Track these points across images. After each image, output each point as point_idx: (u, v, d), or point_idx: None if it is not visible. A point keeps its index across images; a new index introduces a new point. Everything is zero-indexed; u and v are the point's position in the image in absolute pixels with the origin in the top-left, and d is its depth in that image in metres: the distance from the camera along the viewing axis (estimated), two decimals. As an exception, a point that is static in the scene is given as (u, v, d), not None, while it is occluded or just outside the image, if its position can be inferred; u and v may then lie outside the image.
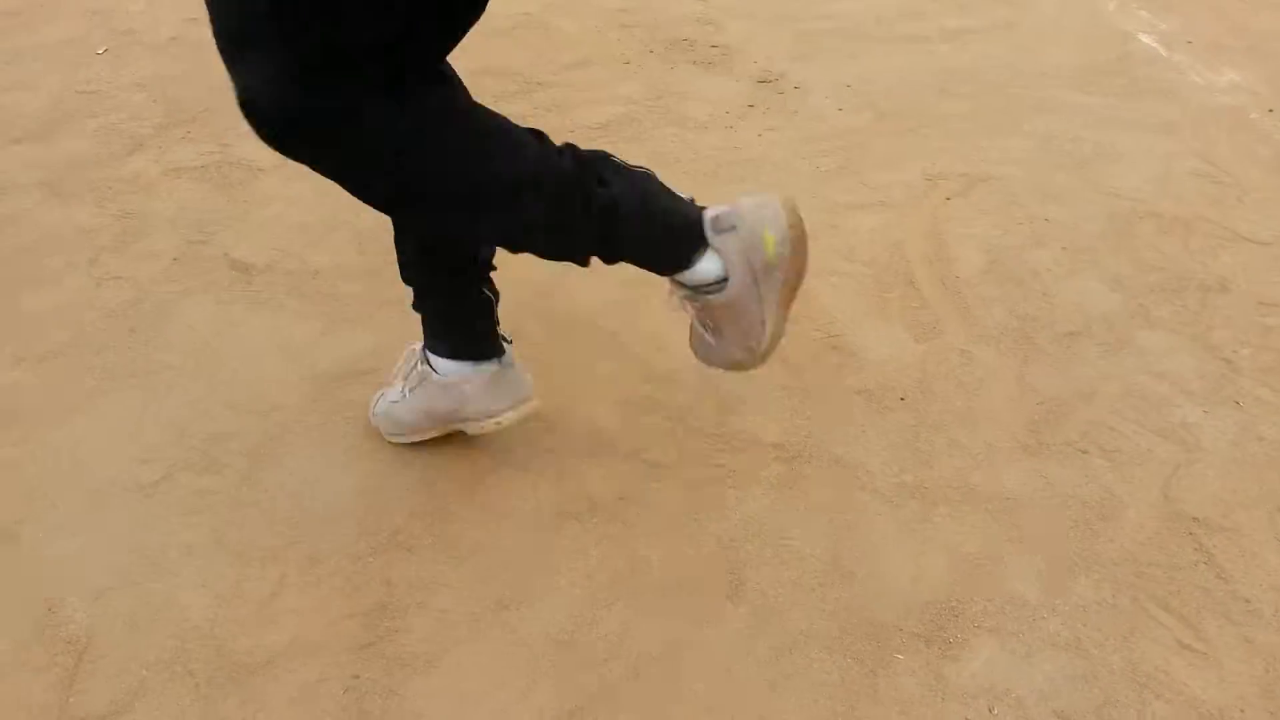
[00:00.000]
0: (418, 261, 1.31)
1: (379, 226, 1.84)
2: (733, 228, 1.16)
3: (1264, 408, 1.52)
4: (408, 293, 1.34)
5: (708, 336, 1.25)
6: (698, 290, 1.19)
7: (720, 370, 1.30)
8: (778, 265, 1.19)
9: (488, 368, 1.34)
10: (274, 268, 1.78)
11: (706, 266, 1.17)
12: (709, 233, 1.16)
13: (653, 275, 1.19)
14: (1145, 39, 2.62)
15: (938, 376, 1.57)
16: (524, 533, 1.33)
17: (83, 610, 1.23)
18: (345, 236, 1.86)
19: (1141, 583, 1.27)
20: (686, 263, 1.17)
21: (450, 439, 1.44)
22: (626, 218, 1.10)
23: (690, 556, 1.30)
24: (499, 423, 1.36)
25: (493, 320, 1.35)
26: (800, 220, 1.21)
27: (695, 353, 1.30)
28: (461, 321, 1.34)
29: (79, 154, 2.08)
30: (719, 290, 1.18)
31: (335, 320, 1.67)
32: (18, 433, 1.46)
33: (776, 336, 1.23)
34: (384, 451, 1.44)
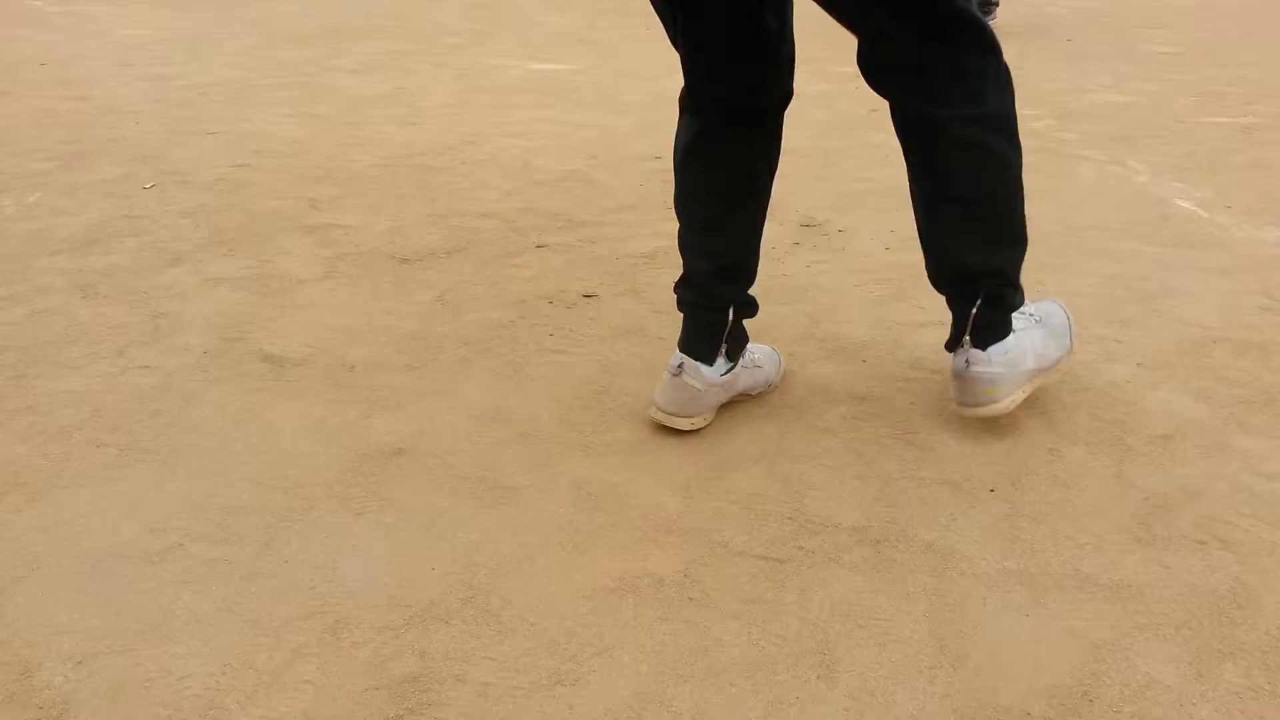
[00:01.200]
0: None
1: (421, 330, 1.78)
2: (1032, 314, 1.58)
3: (1394, 508, 1.37)
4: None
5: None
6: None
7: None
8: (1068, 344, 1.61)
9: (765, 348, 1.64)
10: (309, 362, 1.70)
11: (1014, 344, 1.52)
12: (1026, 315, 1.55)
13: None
14: (1183, 203, 2.64)
15: (1026, 471, 1.44)
16: (577, 607, 1.16)
17: (62, 675, 1.06)
18: (385, 338, 1.78)
19: (1300, 674, 1.09)
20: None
21: (490, 509, 1.30)
22: None
23: (772, 635, 1.12)
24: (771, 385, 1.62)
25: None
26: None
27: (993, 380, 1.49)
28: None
29: (117, 264, 2.05)
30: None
31: (372, 406, 1.56)
32: (20, 499, 1.33)
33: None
34: (419, 525, 1.29)
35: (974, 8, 1.35)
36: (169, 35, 4.83)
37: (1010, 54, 4.32)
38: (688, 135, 1.42)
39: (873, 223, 2.42)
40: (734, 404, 1.59)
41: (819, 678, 1.07)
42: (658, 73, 4.01)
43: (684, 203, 1.46)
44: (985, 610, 1.17)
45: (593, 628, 1.13)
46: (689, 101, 1.43)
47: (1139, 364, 1.75)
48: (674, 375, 1.46)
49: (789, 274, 2.10)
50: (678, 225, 1.49)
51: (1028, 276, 2.09)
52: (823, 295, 2.02)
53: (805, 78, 3.97)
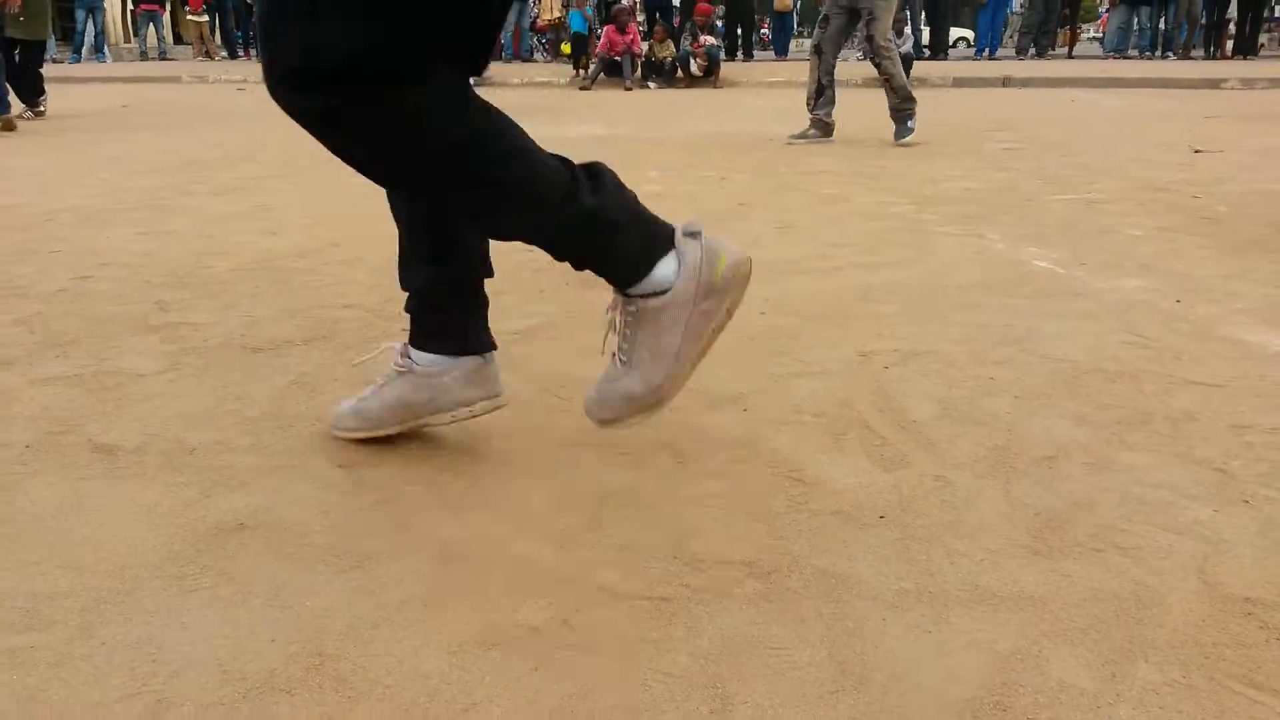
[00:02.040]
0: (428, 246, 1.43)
1: (272, 411, 1.66)
2: (698, 234, 1.25)
3: (1278, 504, 1.36)
4: (402, 297, 1.49)
5: (615, 366, 1.27)
6: (643, 297, 1.23)
7: (616, 421, 1.30)
8: (718, 291, 1.25)
9: (470, 361, 1.45)
10: (144, 449, 1.54)
11: (662, 272, 1.23)
12: (679, 234, 1.24)
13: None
14: (1041, 263, 2.73)
15: (916, 497, 1.38)
16: (440, 665, 1.03)
17: None
18: (232, 421, 1.64)
19: (1213, 662, 1.03)
20: (647, 268, 1.23)
21: (343, 574, 1.17)
22: (610, 220, 1.20)
23: (658, 674, 1.01)
24: (472, 411, 1.47)
25: (483, 318, 1.48)
26: (750, 268, 1.30)
27: (590, 404, 1.31)
28: (455, 315, 1.46)
29: (-67, 371, 1.87)
30: (662, 295, 1.23)
31: (213, 486, 1.41)
32: None
33: (678, 381, 1.26)
34: (260, 598, 1.14)
35: None
36: (16, 172, 4.66)
37: (866, 156, 4.56)
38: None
39: (748, 295, 2.40)
40: (608, 452, 1.50)
41: (712, 712, 0.96)
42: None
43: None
44: (885, 630, 1.08)
45: (457, 685, 1.00)
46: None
47: (1015, 396, 1.74)
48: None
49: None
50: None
51: (900, 330, 2.10)
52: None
53: (674, 180, 4.04)
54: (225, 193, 4.01)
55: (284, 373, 1.86)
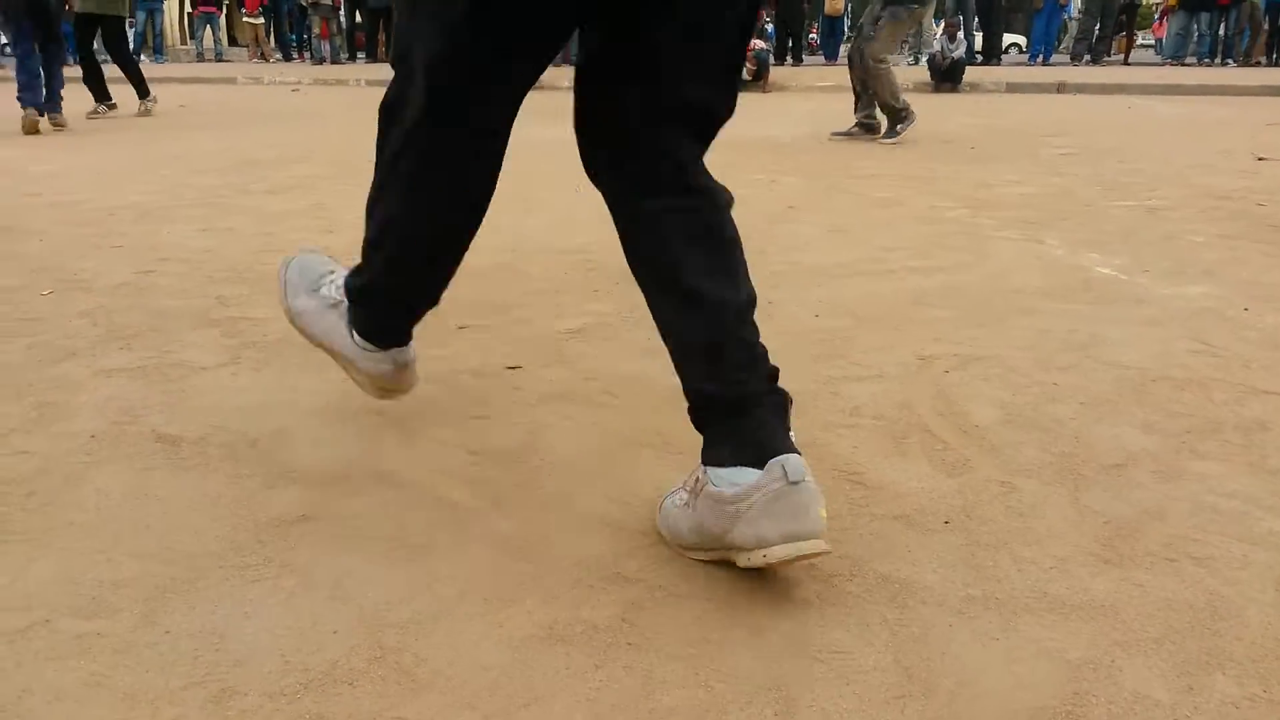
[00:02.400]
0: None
1: (331, 405, 1.67)
2: (799, 483, 1.11)
3: (1359, 517, 1.31)
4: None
5: (681, 494, 1.22)
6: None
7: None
8: (754, 539, 1.11)
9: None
10: (207, 439, 1.56)
11: (741, 477, 1.15)
12: (777, 462, 1.12)
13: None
14: (1103, 270, 2.68)
15: (980, 503, 1.35)
16: (502, 659, 1.02)
17: (-113, 771, 0.88)
18: (292, 414, 1.66)
19: (1297, 678, 1.00)
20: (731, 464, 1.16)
21: (404, 567, 1.17)
22: None
23: (721, 674, 1.00)
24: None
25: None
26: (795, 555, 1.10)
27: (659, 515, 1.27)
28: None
29: (4, 363, 1.91)
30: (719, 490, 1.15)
31: (275, 478, 1.43)
32: None
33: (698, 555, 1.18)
34: (322, 588, 1.15)
35: None
36: (78, 170, 4.76)
37: (918, 159, 4.52)
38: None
39: (800, 296, 2.39)
40: (664, 452, 1.50)
41: (776, 715, 0.94)
42: (569, 182, 4.04)
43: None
44: (952, 637, 1.06)
45: (519, 679, 0.99)
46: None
47: (1081, 403, 1.70)
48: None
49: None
50: None
51: (959, 334, 2.07)
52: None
53: (724, 184, 4.03)
54: (282, 191, 4.06)
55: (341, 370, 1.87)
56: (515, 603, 1.12)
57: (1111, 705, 0.96)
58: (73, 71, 7.36)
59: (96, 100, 7.73)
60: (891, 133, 5.78)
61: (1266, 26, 14.52)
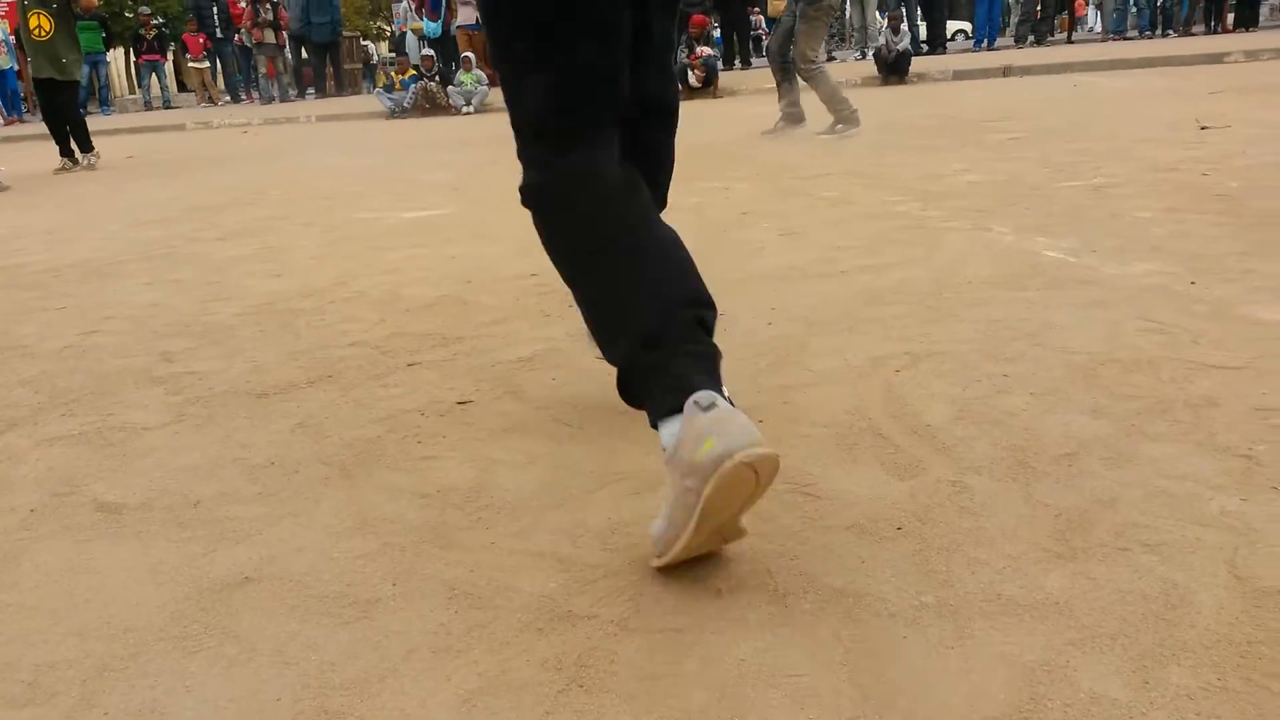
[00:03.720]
0: None
1: (277, 457, 1.64)
2: (710, 407, 1.12)
3: (1309, 489, 1.31)
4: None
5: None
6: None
7: None
8: (695, 472, 1.09)
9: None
10: (150, 505, 1.53)
11: (665, 431, 1.17)
12: (689, 401, 1.13)
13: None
14: (1050, 254, 2.69)
15: (932, 506, 1.34)
16: (449, 715, 1.00)
17: None
18: (236, 470, 1.63)
19: (1249, 662, 0.99)
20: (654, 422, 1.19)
21: (350, 625, 1.14)
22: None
23: (674, 712, 0.98)
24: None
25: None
26: (738, 474, 1.09)
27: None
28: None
29: (-61, 439, 1.86)
30: (665, 453, 1.16)
31: (218, 540, 1.40)
32: None
33: (673, 543, 1.15)
34: (265, 654, 1.12)
35: None
36: (27, 231, 4.69)
37: (867, 154, 4.53)
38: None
39: (754, 305, 2.38)
40: (619, 482, 1.48)
41: (731, 748, 0.92)
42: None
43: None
44: (907, 649, 1.05)
45: (468, 733, 0.97)
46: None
47: (1031, 393, 1.70)
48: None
49: (670, 358, 2.02)
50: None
51: (910, 331, 2.07)
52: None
53: (677, 193, 4.02)
54: (231, 237, 4.02)
55: (289, 416, 1.84)
56: (463, 653, 1.10)
57: (1068, 708, 0.95)
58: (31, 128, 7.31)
59: (63, 154, 7.72)
60: (832, 130, 5.78)
61: (1203, -5, 14.73)
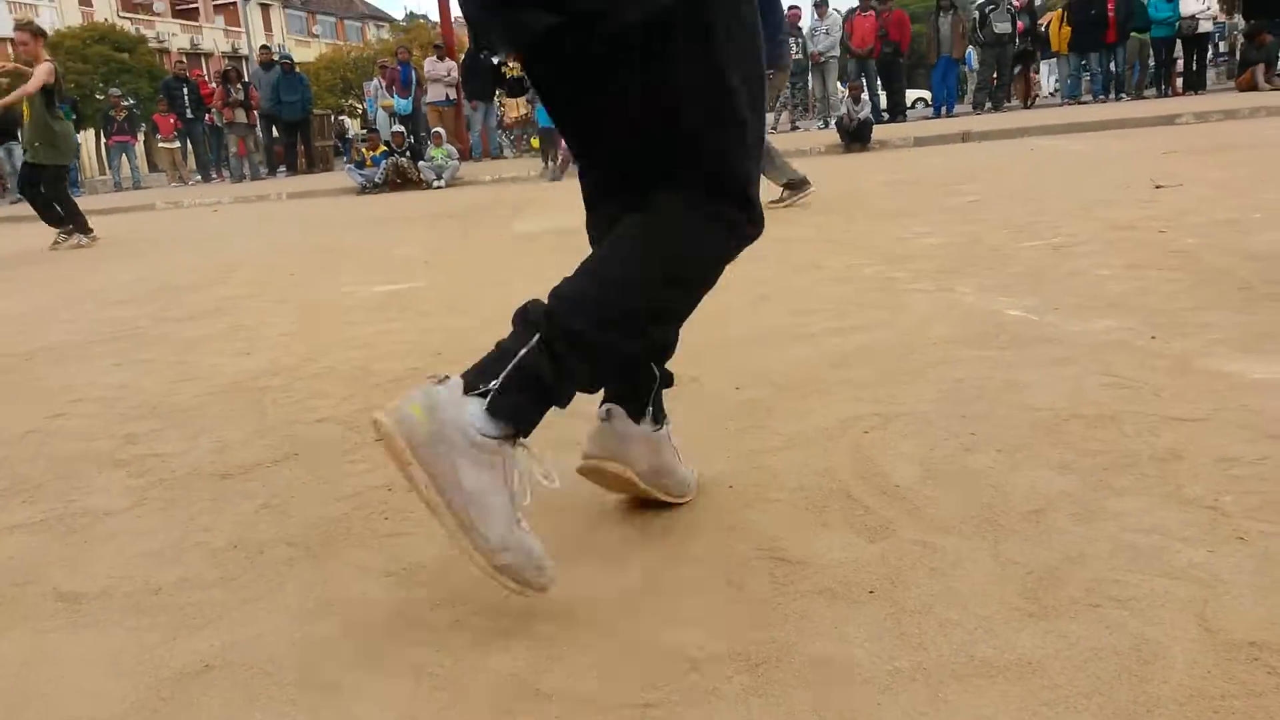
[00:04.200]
0: None
1: (240, 539, 1.61)
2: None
3: (1275, 538, 1.32)
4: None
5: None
6: None
7: None
8: None
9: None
10: (110, 592, 1.49)
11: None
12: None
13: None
14: (1013, 312, 2.72)
15: (903, 568, 1.34)
16: (417, 799, 0.97)
17: None
18: (198, 554, 1.60)
19: (1224, 716, 0.98)
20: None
21: (314, 712, 1.12)
22: None
23: (645, 788, 0.96)
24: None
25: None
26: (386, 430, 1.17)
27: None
28: None
29: (-106, 529, 1.82)
30: None
31: (179, 628, 1.36)
32: None
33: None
34: (228, 742, 1.09)
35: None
36: (3, 315, 4.65)
37: (834, 220, 4.57)
38: None
39: (724, 369, 2.39)
40: (586, 552, 1.46)
41: (704, 825, 0.90)
42: (499, 280, 4.05)
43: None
44: (881, 717, 1.03)
45: (434, 820, 0.94)
46: None
47: (998, 450, 1.71)
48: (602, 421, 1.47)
49: (640, 426, 2.02)
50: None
51: (877, 393, 2.08)
52: (678, 436, 1.93)
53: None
54: (199, 316, 4.00)
55: (253, 497, 1.82)
56: (430, 734, 1.07)
57: (1044, 771, 0.93)
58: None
59: (59, 229, 7.94)
60: (784, 199, 5.87)
61: (1152, 61, 15.21)
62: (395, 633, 1.29)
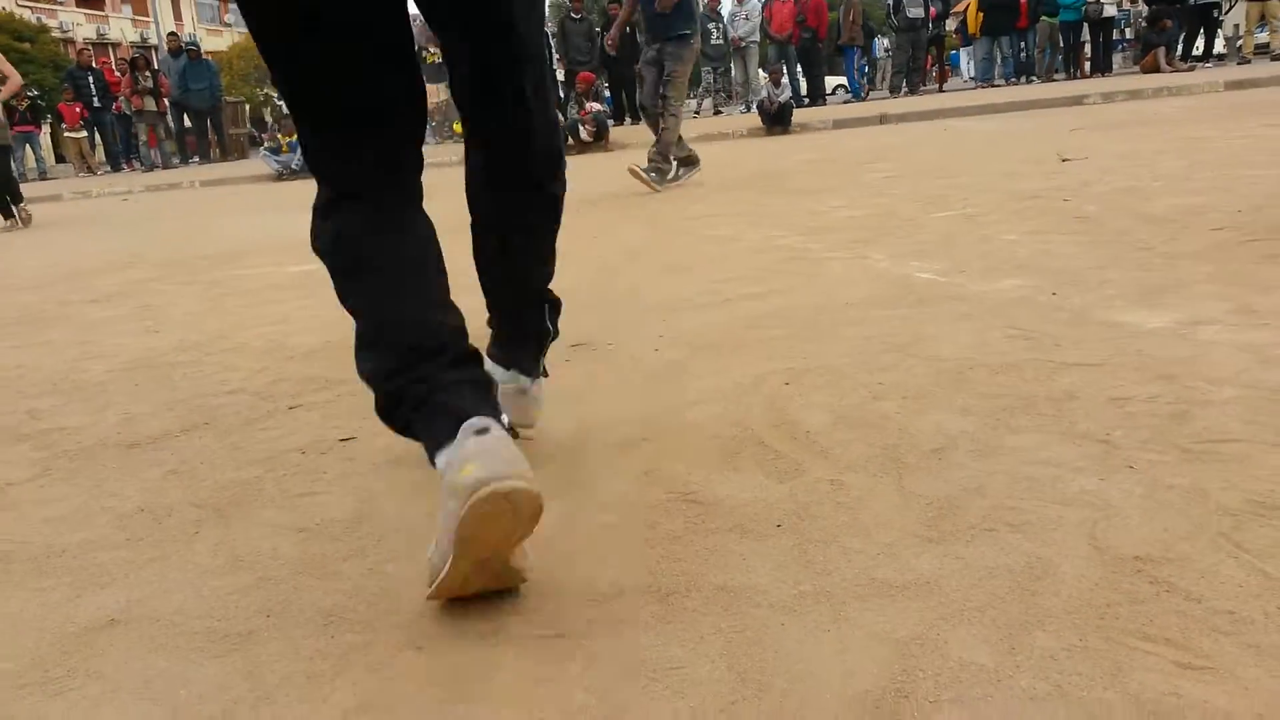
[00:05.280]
0: None
1: (147, 504, 1.58)
2: (484, 431, 1.11)
3: (1162, 466, 1.38)
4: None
5: None
6: None
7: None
8: (457, 495, 1.06)
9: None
10: (9, 556, 1.45)
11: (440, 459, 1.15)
12: (464, 428, 1.12)
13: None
14: (923, 275, 2.79)
15: (811, 504, 1.37)
16: (326, 732, 0.97)
17: None
18: (105, 519, 1.56)
19: (1108, 622, 1.03)
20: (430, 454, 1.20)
21: (221, 659, 1.10)
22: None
23: (559, 712, 0.97)
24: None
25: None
26: (488, 505, 1.06)
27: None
28: None
29: None
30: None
31: (84, 587, 1.33)
32: None
33: (441, 581, 1.12)
34: (129, 692, 1.07)
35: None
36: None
37: (753, 197, 4.63)
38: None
39: (640, 335, 2.41)
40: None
41: (611, 740, 0.92)
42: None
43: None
44: (785, 635, 1.06)
45: (343, 750, 0.94)
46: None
47: (904, 397, 1.76)
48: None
49: (565, 384, 2.02)
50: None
51: (791, 351, 2.12)
52: (596, 394, 1.95)
53: (568, 238, 4.06)
54: (105, 299, 3.89)
55: (160, 465, 1.78)
56: (341, 674, 1.07)
57: (939, 676, 0.97)
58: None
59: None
60: (655, 177, 5.94)
61: (1062, 44, 15.66)
62: (307, 583, 1.28)
